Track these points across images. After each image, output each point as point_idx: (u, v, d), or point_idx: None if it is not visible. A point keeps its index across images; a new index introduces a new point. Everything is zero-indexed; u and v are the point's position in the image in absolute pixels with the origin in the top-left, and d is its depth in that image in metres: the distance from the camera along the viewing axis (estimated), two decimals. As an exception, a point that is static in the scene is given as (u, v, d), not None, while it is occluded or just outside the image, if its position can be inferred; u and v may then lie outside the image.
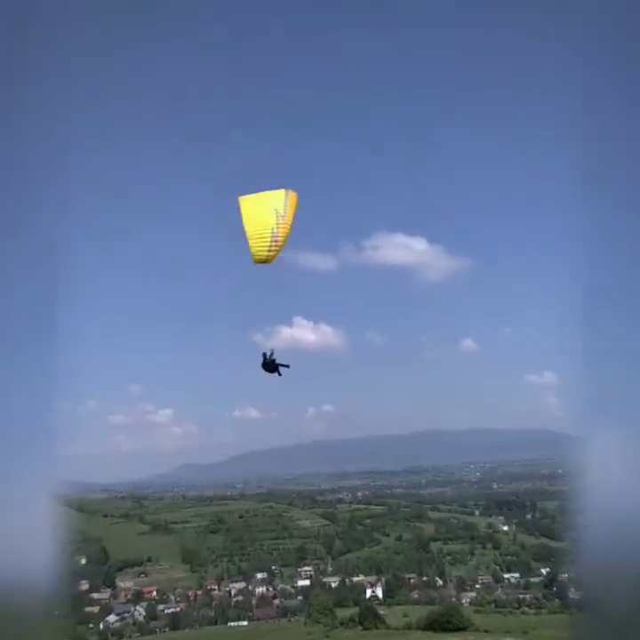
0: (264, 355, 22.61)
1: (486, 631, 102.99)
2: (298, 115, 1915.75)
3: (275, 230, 18.99)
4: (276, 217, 19.15)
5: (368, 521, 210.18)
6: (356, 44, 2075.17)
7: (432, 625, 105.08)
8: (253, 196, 20.46)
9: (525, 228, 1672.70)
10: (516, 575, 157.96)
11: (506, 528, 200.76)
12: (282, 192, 20.24)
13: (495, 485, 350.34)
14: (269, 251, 19.08)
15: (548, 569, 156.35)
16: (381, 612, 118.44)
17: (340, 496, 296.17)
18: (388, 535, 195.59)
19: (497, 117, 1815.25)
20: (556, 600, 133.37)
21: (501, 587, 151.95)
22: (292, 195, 20.24)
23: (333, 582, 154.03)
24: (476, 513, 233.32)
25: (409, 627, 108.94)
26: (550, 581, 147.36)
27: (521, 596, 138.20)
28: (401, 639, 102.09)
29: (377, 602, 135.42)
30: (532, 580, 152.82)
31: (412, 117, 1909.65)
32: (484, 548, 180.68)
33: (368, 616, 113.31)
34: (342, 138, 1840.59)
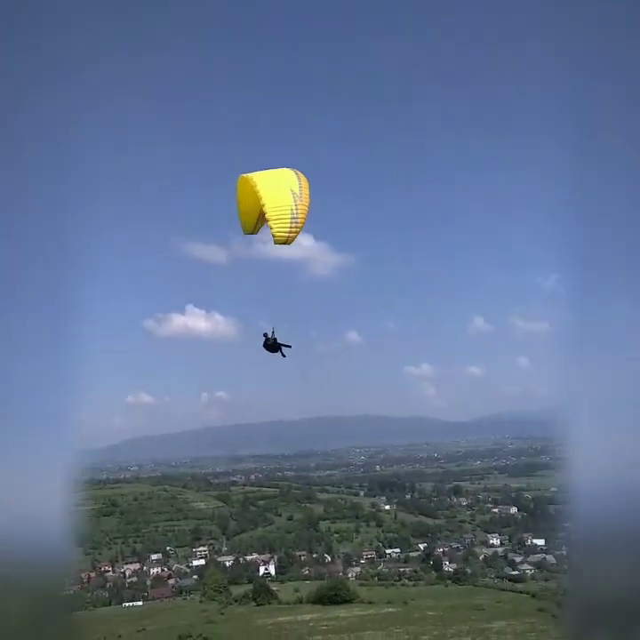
0: (265, 335, 21.43)
1: (370, 602, 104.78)
2: (204, 109, 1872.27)
3: (294, 211, 17.99)
4: (294, 198, 18.12)
5: (261, 502, 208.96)
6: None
7: (321, 599, 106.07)
8: (261, 174, 18.79)
9: (399, 225, 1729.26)
10: (397, 550, 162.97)
11: (388, 507, 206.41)
12: (290, 172, 19.04)
13: (378, 468, 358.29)
14: (290, 232, 18.03)
15: (425, 544, 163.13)
16: (274, 589, 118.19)
17: (234, 479, 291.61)
18: (279, 515, 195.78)
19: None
20: (433, 572, 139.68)
21: (384, 561, 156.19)
22: (302, 175, 19.01)
23: (228, 561, 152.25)
24: (361, 494, 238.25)
25: (300, 601, 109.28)
26: (427, 556, 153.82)
27: (401, 570, 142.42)
28: (292, 613, 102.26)
29: (270, 579, 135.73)
30: (411, 554, 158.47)
31: (300, 114, 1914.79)
32: (368, 526, 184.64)
33: (261, 592, 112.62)
34: (237, 137, 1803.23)
